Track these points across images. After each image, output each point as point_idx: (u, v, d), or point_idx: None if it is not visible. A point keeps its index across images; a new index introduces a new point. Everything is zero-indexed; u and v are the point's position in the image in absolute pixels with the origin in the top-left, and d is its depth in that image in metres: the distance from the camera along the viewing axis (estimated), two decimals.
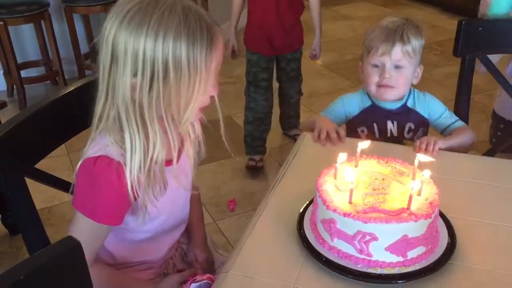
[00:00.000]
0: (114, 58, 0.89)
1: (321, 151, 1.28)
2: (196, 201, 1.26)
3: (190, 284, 1.01)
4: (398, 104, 1.42)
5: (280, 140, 2.91)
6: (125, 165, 0.92)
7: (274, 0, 2.30)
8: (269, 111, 2.55)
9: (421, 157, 1.00)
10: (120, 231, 1.03)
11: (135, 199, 0.94)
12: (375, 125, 1.43)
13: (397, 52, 1.34)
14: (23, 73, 3.33)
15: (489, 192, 1.12)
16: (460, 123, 1.41)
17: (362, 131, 1.44)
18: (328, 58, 4.07)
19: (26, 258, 0.65)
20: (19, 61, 3.30)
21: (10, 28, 3.12)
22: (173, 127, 0.94)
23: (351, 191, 0.92)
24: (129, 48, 0.86)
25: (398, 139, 1.42)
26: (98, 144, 0.94)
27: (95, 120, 0.94)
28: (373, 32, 1.36)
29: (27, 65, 3.48)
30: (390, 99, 1.40)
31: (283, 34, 2.37)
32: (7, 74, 3.35)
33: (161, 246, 1.13)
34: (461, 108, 1.60)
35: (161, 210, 1.02)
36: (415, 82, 1.42)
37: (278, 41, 2.37)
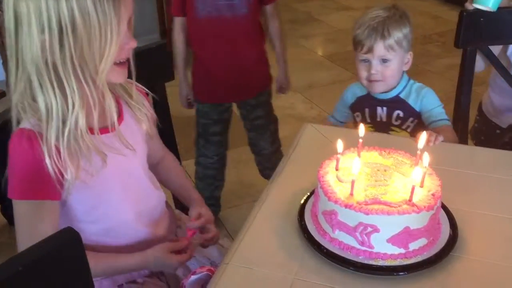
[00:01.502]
0: (18, 21, 0.87)
1: (322, 143, 1.27)
2: (175, 166, 1.25)
3: (190, 276, 1.00)
4: (390, 95, 1.45)
5: (280, 131, 2.89)
6: (38, 132, 0.89)
7: (226, 36, 1.79)
8: (222, 166, 2.09)
9: (420, 145, 0.99)
10: (84, 224, 1.00)
11: (60, 173, 0.90)
12: (366, 110, 1.49)
13: (380, 48, 1.37)
14: None
15: (492, 184, 1.12)
16: (446, 122, 1.42)
17: (357, 116, 1.52)
18: (329, 49, 4.06)
19: (25, 249, 0.65)
20: None
21: None
22: (91, 83, 0.91)
23: (353, 183, 0.91)
24: (31, 6, 0.85)
25: (386, 125, 1.47)
26: (21, 124, 0.91)
27: (13, 97, 0.91)
28: (359, 29, 1.39)
29: None
30: (381, 91, 1.44)
31: (242, 76, 1.85)
32: (5, 63, 3.33)
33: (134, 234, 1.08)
34: (462, 100, 1.59)
35: (110, 182, 0.99)
36: (405, 68, 1.44)
37: (234, 86, 1.86)
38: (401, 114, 1.44)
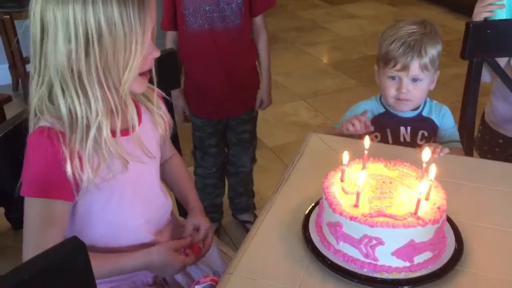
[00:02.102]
0: (44, 32, 0.88)
1: (327, 153, 1.27)
2: (181, 167, 1.25)
3: (194, 286, 1.00)
4: (413, 114, 1.41)
5: (282, 138, 2.90)
6: (60, 131, 0.89)
7: (218, 49, 1.75)
8: (221, 174, 2.08)
9: (425, 157, 0.99)
10: (90, 225, 1.01)
11: (79, 175, 0.91)
12: (388, 130, 1.41)
13: (415, 67, 1.31)
14: (28, 67, 3.32)
15: (498, 197, 1.11)
16: (458, 144, 1.40)
17: (376, 136, 1.42)
18: (334, 57, 4.07)
19: (31, 257, 0.65)
20: (25, 55, 3.29)
21: (16, 22, 3.12)
22: (114, 93, 0.92)
23: (358, 195, 0.91)
24: (58, 15, 0.86)
25: (411, 145, 1.40)
26: (39, 123, 0.92)
27: (32, 99, 0.92)
28: (392, 44, 1.31)
29: None
30: (408, 110, 1.39)
31: (235, 91, 1.84)
32: (13, 68, 3.35)
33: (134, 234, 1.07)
34: (468, 111, 1.59)
35: (123, 186, 0.99)
36: (432, 88, 1.39)
37: (227, 101, 1.85)
38: (426, 133, 1.40)
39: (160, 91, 1.09)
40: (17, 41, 3.14)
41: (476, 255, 0.94)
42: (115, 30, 0.87)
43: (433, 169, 0.94)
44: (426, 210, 0.90)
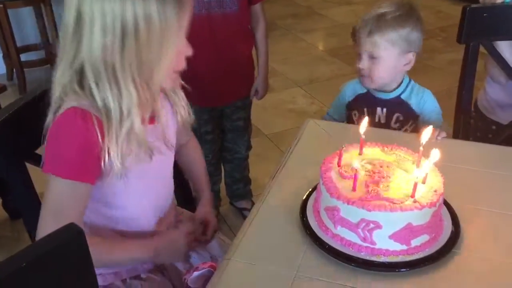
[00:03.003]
0: (79, 20, 0.87)
1: (324, 138, 1.27)
2: (197, 152, 1.27)
3: (192, 272, 1.00)
4: (390, 96, 1.42)
5: (279, 125, 2.89)
6: (95, 115, 0.89)
7: (215, 35, 1.73)
8: (217, 161, 2.08)
9: (424, 139, 0.99)
10: (99, 206, 1.02)
11: (109, 164, 0.92)
12: (365, 110, 1.45)
13: (368, 43, 1.35)
14: (23, 57, 3.30)
15: (494, 180, 1.12)
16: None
17: (355, 114, 1.47)
18: (330, 43, 4.05)
19: (28, 245, 0.65)
20: (19, 44, 3.27)
21: (9, 11, 3.09)
22: (145, 88, 0.92)
23: (355, 179, 0.91)
24: (95, 8, 0.85)
25: (385, 127, 1.43)
26: (64, 104, 0.91)
27: (57, 85, 0.92)
28: (361, 21, 1.37)
29: (26, 48, 3.46)
30: (371, 87, 1.42)
31: (230, 78, 1.81)
32: (7, 57, 3.33)
33: (144, 220, 1.10)
34: (464, 95, 1.59)
35: (141, 179, 1.00)
36: (406, 69, 1.40)
37: (222, 89, 1.82)
38: (401, 117, 1.41)
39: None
40: (11, 31, 3.12)
41: (473, 238, 0.95)
42: (151, 26, 0.86)
43: (435, 154, 0.94)
44: (423, 193, 0.91)
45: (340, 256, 0.90)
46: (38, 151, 1.06)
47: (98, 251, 0.81)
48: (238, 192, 2.20)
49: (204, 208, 1.22)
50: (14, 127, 1.00)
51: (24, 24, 3.49)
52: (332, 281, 0.87)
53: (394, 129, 1.42)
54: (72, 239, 0.64)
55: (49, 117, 0.93)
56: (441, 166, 0.97)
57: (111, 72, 0.89)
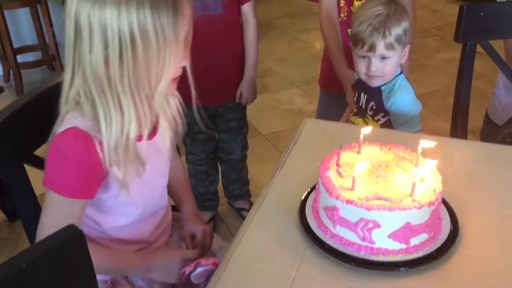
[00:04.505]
0: (78, 32, 0.87)
1: (323, 138, 1.27)
2: (180, 170, 1.25)
3: (195, 267, 1.00)
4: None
5: (277, 125, 2.90)
6: (95, 136, 0.90)
7: (200, 37, 1.59)
8: (212, 161, 2.06)
9: (423, 143, 1.00)
10: (96, 216, 1.02)
11: (107, 174, 0.93)
12: (356, 92, 1.53)
13: (381, 47, 1.37)
14: (19, 58, 3.30)
15: (492, 179, 1.12)
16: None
17: (354, 95, 1.56)
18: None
19: (28, 246, 0.65)
20: (15, 45, 3.27)
21: (6, 12, 3.09)
22: (145, 103, 0.92)
23: (354, 178, 0.91)
24: (93, 20, 0.84)
25: (364, 112, 1.50)
26: (67, 120, 0.92)
27: (63, 97, 0.92)
28: (359, 26, 1.37)
29: (23, 49, 3.45)
30: (378, 85, 1.45)
31: (218, 83, 1.77)
32: (3, 58, 3.32)
33: (142, 229, 1.10)
34: (462, 94, 1.59)
35: (137, 193, 1.00)
36: (402, 61, 1.45)
37: (211, 91, 1.66)
38: (374, 106, 1.46)
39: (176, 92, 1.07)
40: (8, 32, 3.12)
41: (471, 237, 0.95)
42: (147, 39, 0.85)
43: (432, 162, 0.95)
44: (422, 192, 0.91)
45: (339, 256, 0.90)
46: (36, 153, 1.06)
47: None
48: (235, 192, 2.19)
49: (187, 225, 1.20)
50: (13, 129, 1.00)
51: (21, 25, 3.49)
52: (331, 281, 0.87)
53: (370, 115, 1.48)
54: (72, 240, 0.64)
55: (55, 128, 0.93)
56: (439, 165, 0.98)
57: (113, 86, 0.88)
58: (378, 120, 1.47)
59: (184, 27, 0.90)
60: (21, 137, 1.02)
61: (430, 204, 0.88)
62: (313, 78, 3.38)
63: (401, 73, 1.45)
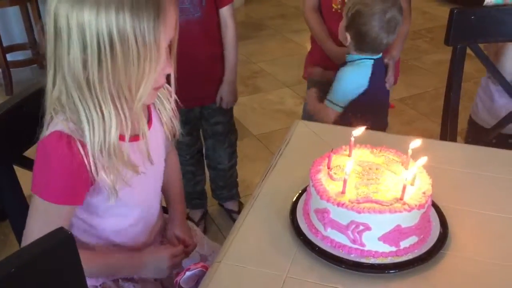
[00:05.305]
0: (57, 32, 0.85)
1: (314, 140, 1.28)
2: (175, 172, 1.24)
3: (184, 273, 1.00)
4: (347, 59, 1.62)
5: (268, 126, 2.90)
6: (79, 139, 0.88)
7: (180, 40, 1.79)
8: (197, 162, 2.04)
9: (413, 145, 1.00)
10: (92, 221, 1.02)
11: (94, 179, 0.91)
12: None
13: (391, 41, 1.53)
14: (9, 57, 3.27)
15: (481, 182, 1.13)
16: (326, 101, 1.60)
17: None
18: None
19: (16, 250, 0.64)
20: (5, 44, 3.24)
21: None
22: (126, 107, 0.90)
23: (345, 181, 0.92)
24: (71, 21, 0.82)
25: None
26: (52, 123, 0.90)
27: (48, 97, 0.90)
28: (373, 26, 1.48)
29: (13, 48, 3.42)
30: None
31: (198, 86, 1.78)
32: None
33: (139, 232, 1.10)
34: (452, 97, 1.60)
35: (129, 195, 0.99)
36: (346, 42, 1.58)
37: (192, 93, 1.69)
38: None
39: (170, 88, 1.06)
40: None
41: (461, 239, 0.96)
42: (127, 42, 0.82)
43: (422, 159, 0.95)
44: (412, 195, 0.91)
45: (330, 258, 0.90)
46: (26, 154, 1.06)
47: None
48: (223, 196, 2.18)
49: (173, 228, 1.19)
50: (2, 129, 0.99)
51: (10, 23, 3.45)
52: (322, 283, 0.88)
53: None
54: (61, 242, 0.63)
55: (41, 131, 0.92)
56: (429, 168, 0.98)
57: (93, 89, 0.86)
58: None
59: (167, 33, 0.87)
60: (10, 137, 1.01)
61: (420, 207, 0.89)
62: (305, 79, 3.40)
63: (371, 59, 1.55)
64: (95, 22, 0.81)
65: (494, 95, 1.69)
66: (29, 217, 0.94)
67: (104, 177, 0.91)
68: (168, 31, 0.88)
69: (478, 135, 1.73)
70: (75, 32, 0.83)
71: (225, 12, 1.76)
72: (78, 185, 0.92)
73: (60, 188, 0.91)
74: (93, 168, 0.89)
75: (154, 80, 0.89)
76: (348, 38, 1.54)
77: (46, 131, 0.90)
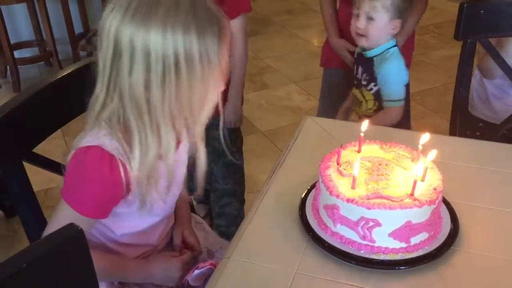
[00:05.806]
0: (117, 54, 0.83)
1: (322, 136, 1.27)
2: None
3: (193, 271, 1.00)
4: (368, 54, 1.59)
5: (275, 122, 2.89)
6: (120, 159, 0.87)
7: None
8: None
9: (423, 140, 0.99)
10: (109, 223, 1.01)
11: (127, 194, 0.91)
12: (355, 67, 1.68)
13: (366, 5, 1.52)
14: (16, 54, 3.28)
15: (492, 177, 1.12)
16: (388, 104, 1.58)
17: (354, 69, 1.70)
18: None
19: (28, 245, 0.64)
20: (12, 41, 3.25)
21: (2, 7, 3.07)
22: (183, 127, 0.90)
23: (354, 177, 0.91)
24: (136, 43, 0.81)
25: (360, 83, 1.64)
26: (93, 135, 0.89)
27: (93, 115, 0.89)
28: None
29: (20, 45, 3.43)
30: (364, 45, 1.59)
31: None
32: (0, 54, 3.30)
33: (151, 234, 1.10)
34: (461, 92, 1.59)
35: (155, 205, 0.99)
36: (393, 33, 1.56)
37: None
38: (367, 76, 1.59)
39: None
40: (4, 27, 3.10)
41: (471, 235, 0.95)
42: (192, 63, 0.82)
43: (432, 152, 0.94)
44: (422, 191, 0.91)
45: (339, 254, 0.90)
46: (35, 150, 1.06)
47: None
48: (221, 230, 1.91)
49: (183, 227, 1.19)
50: (11, 126, 0.99)
51: (18, 20, 3.47)
52: (331, 279, 0.87)
53: (363, 84, 1.62)
54: (72, 238, 0.63)
55: (79, 139, 0.91)
56: (439, 164, 0.98)
57: (153, 112, 0.85)
58: (371, 89, 1.59)
59: (225, 52, 0.88)
60: (20, 134, 1.02)
61: (431, 202, 0.88)
62: (312, 74, 3.39)
63: (395, 45, 1.56)
64: (161, 44, 0.81)
65: (487, 89, 1.69)
66: (54, 218, 0.93)
67: (139, 192, 0.91)
68: (226, 50, 0.88)
69: (476, 127, 1.74)
70: (140, 53, 0.81)
71: (234, 24, 1.61)
72: (110, 202, 0.93)
73: (93, 204, 0.91)
74: (132, 185, 0.89)
75: (215, 98, 0.90)
76: (398, 26, 1.54)
77: (84, 141, 0.89)
